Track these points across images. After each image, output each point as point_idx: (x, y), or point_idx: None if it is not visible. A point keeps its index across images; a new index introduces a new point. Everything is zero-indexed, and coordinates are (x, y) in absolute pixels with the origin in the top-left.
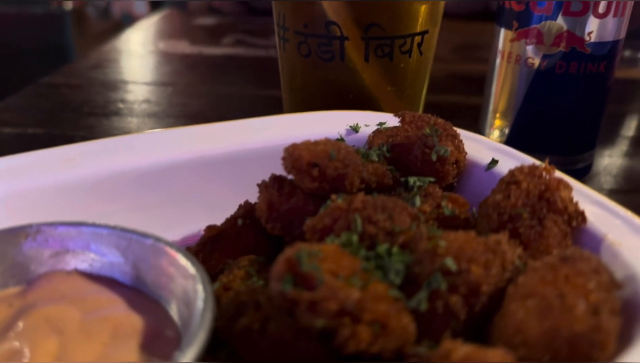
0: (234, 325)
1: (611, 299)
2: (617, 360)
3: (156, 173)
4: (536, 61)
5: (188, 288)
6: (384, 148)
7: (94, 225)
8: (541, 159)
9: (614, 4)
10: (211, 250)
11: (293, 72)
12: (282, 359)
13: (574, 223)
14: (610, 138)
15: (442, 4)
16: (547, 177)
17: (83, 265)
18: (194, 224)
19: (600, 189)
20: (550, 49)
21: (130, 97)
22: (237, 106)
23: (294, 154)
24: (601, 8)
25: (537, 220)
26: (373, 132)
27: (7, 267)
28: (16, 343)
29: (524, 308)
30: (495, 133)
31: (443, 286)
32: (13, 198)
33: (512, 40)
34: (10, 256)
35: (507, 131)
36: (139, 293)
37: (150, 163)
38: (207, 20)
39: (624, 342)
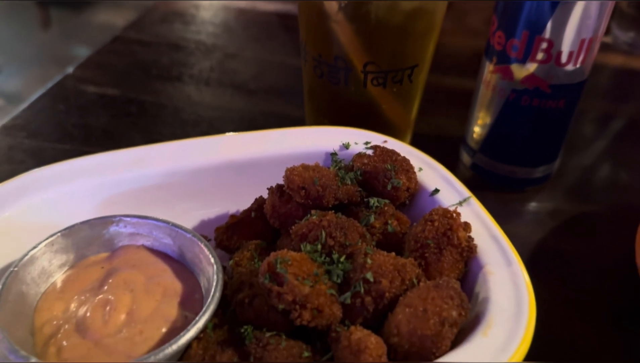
0: (235, 296)
1: (455, 317)
2: (444, 358)
3: (199, 172)
4: (507, 93)
5: (209, 270)
6: (358, 173)
7: (155, 219)
8: (506, 167)
9: (574, 54)
10: (232, 232)
11: (310, 85)
12: (260, 323)
13: (465, 255)
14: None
15: (433, 42)
16: (453, 219)
17: (147, 243)
18: (224, 213)
19: (554, 194)
20: (518, 85)
21: (190, 60)
22: (277, 78)
23: (290, 177)
24: (563, 58)
25: (439, 250)
26: (355, 155)
27: (101, 241)
28: (108, 296)
29: (402, 313)
30: (474, 141)
31: (362, 290)
32: (100, 189)
33: (492, 72)
34: (103, 234)
35: (483, 139)
36: (181, 266)
37: (194, 165)
38: None
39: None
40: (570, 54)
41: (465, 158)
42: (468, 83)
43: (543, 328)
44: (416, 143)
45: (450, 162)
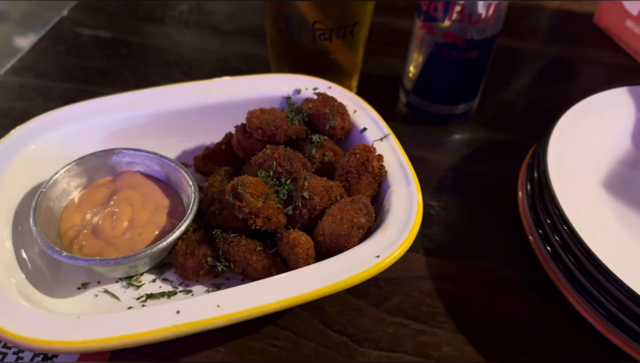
0: (208, 209)
1: (363, 222)
2: (352, 250)
3: (181, 113)
4: (431, 45)
5: (189, 190)
6: (304, 115)
7: (146, 151)
8: (432, 105)
9: (483, 15)
10: (207, 161)
11: (271, 37)
12: (226, 227)
13: (377, 178)
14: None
15: (371, 5)
16: (370, 152)
17: (141, 169)
18: (200, 145)
19: (473, 126)
20: (440, 39)
21: (171, 2)
22: (250, 19)
23: (250, 119)
24: (473, 19)
25: (358, 175)
26: (303, 100)
27: (106, 168)
28: (114, 208)
29: (326, 220)
30: (408, 83)
31: (300, 204)
32: (104, 127)
33: (420, 28)
34: (107, 163)
35: (414, 83)
36: (168, 187)
37: (177, 107)
38: None
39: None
40: (479, 16)
41: (402, 97)
42: None
43: (449, 232)
44: (365, 81)
45: (392, 99)
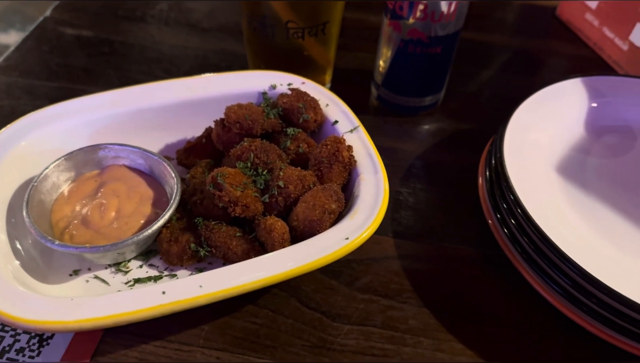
0: (190, 198)
1: (334, 208)
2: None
3: (163, 109)
4: (398, 42)
5: (172, 182)
6: (279, 109)
7: (131, 146)
8: (401, 98)
9: (444, 14)
10: (188, 154)
11: (247, 35)
12: (208, 215)
13: (347, 167)
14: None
15: (341, 4)
16: (340, 143)
17: (127, 163)
18: (182, 139)
19: (440, 117)
20: (405, 36)
21: (149, 2)
22: (227, 17)
23: (228, 114)
24: (436, 17)
25: (330, 165)
26: (279, 95)
27: (93, 162)
28: (102, 200)
29: (300, 207)
30: (378, 77)
31: (276, 193)
32: (90, 124)
33: (387, 25)
34: (94, 157)
35: (384, 74)
36: (152, 179)
37: (159, 104)
38: None
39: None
40: (442, 14)
41: (373, 91)
42: None
43: (417, 216)
44: (338, 76)
45: (364, 92)
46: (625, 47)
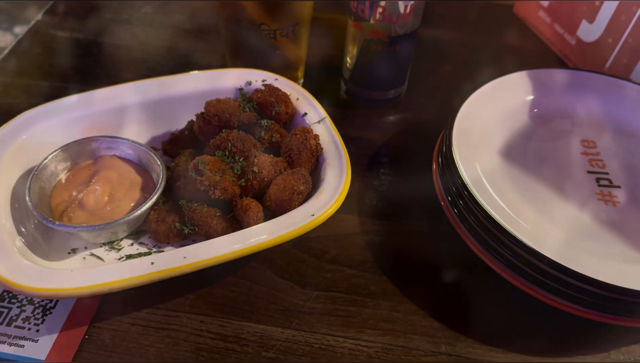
0: (175, 183)
1: (302, 189)
2: (293, 211)
3: (149, 105)
4: (361, 41)
5: (158, 169)
6: (254, 103)
7: (121, 138)
8: (367, 92)
9: (401, 16)
10: (173, 145)
11: (225, 36)
12: (191, 198)
13: (315, 154)
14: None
15: (309, 6)
16: (308, 133)
17: (117, 153)
18: (167, 131)
19: (402, 108)
20: (367, 36)
21: (136, 3)
22: (207, 18)
23: (207, 108)
24: (394, 18)
25: (299, 152)
26: (254, 91)
27: (87, 153)
28: (95, 186)
29: (273, 189)
30: (345, 73)
31: (251, 177)
32: (84, 119)
33: (351, 26)
34: (87, 149)
35: (351, 70)
36: (140, 167)
37: (145, 100)
38: None
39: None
40: (399, 15)
41: (342, 85)
42: None
43: (380, 197)
44: (310, 72)
45: (333, 87)
46: (573, 41)
